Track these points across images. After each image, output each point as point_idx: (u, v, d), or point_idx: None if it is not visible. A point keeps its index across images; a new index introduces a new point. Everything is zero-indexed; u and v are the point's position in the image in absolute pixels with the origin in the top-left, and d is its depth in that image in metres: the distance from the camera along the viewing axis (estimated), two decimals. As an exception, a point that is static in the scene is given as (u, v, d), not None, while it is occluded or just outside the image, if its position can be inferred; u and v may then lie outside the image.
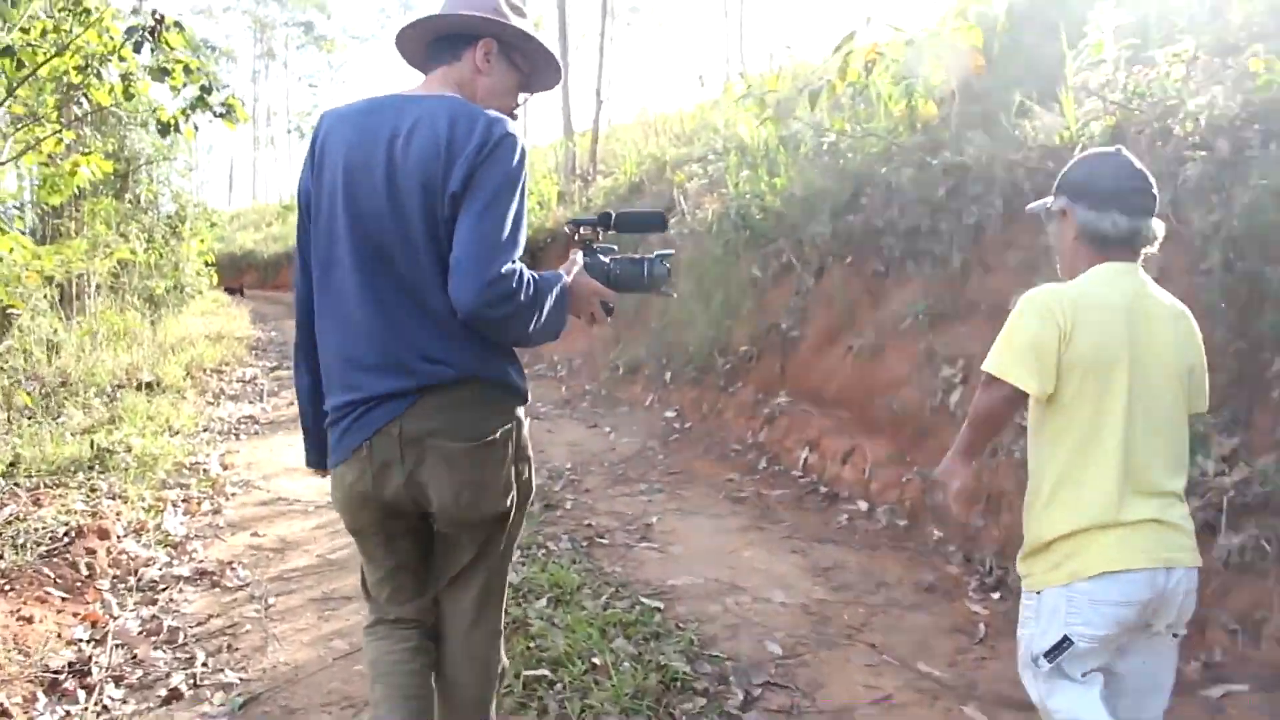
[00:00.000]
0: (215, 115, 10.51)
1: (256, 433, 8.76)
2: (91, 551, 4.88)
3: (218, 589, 4.80)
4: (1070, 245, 2.41)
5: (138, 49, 9.09)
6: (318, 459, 2.49)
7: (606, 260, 2.49)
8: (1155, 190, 2.36)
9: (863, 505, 5.85)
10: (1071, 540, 2.24)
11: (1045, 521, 2.31)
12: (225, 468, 7.17)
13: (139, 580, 4.80)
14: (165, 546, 5.33)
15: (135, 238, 16.59)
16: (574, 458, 7.63)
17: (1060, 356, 2.24)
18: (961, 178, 6.34)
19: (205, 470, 7.00)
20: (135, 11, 9.60)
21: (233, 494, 6.52)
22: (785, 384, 7.65)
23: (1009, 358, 2.30)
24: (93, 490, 5.87)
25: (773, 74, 15.27)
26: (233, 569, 5.03)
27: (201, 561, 5.17)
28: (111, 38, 8.78)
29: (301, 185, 2.34)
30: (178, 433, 8.00)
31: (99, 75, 9.15)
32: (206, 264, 22.24)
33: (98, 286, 15.15)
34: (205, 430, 8.49)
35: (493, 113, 2.19)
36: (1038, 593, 2.31)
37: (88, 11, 9.28)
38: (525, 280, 2.10)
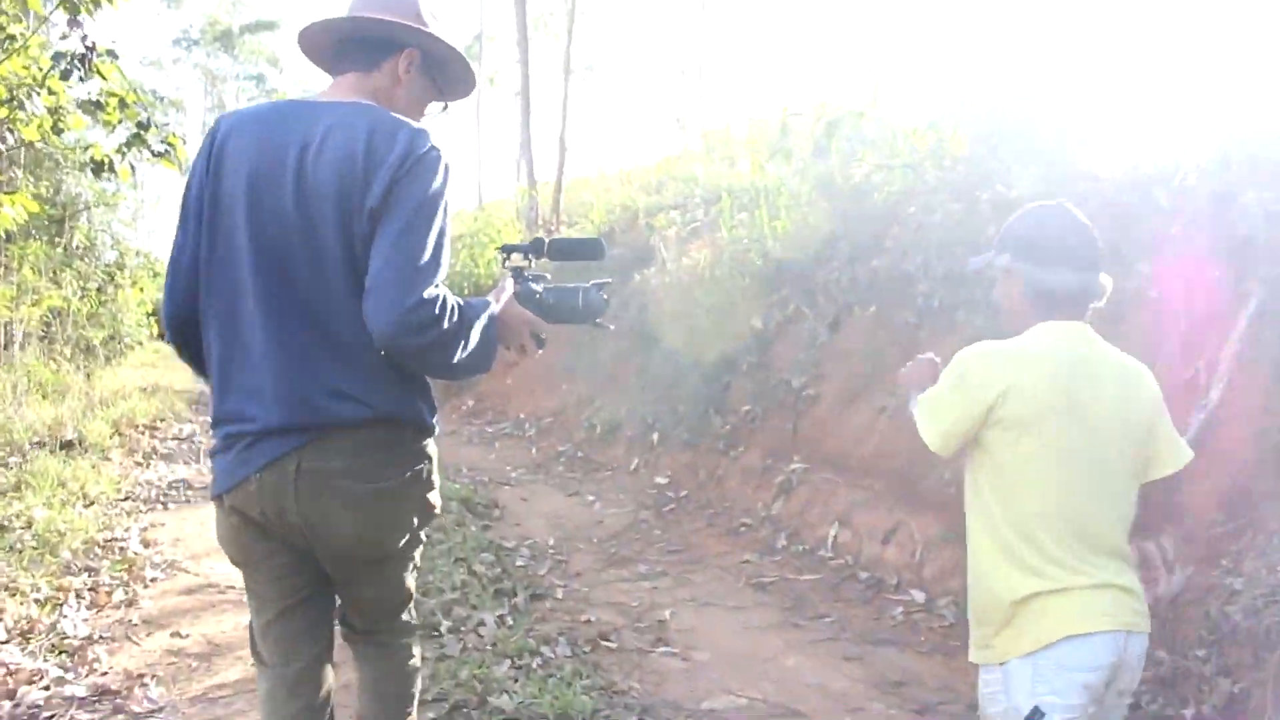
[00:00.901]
0: (153, 154, 9.60)
1: (188, 500, 7.61)
2: (-43, 666, 3.79)
3: (121, 716, 3.71)
4: (1017, 303, 2.34)
5: (65, 77, 8.20)
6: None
7: (538, 288, 2.34)
8: (1100, 244, 2.29)
9: (918, 596, 4.88)
10: (1033, 603, 2.13)
11: (1000, 585, 2.19)
12: (146, 545, 6.04)
13: (16, 706, 3.70)
14: (59, 654, 4.22)
15: (69, 285, 15.61)
16: (556, 532, 6.60)
17: (992, 415, 2.17)
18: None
19: (122, 549, 5.87)
20: (64, 37, 8.67)
21: (153, 580, 5.39)
22: (799, 448, 6.70)
23: (927, 415, 2.31)
24: (-29, 580, 4.78)
25: (752, 120, 14.67)
26: (144, 685, 3.94)
27: (104, 674, 4.07)
28: (39, 68, 7.91)
29: (189, 191, 2.10)
30: (93, 502, 6.85)
31: (23, 107, 8.28)
32: (148, 314, 21.33)
33: (25, 335, 14.12)
34: (127, 498, 7.33)
35: (416, 124, 2.02)
36: (1000, 664, 2.18)
37: (11, 38, 8.39)
38: (449, 306, 1.92)
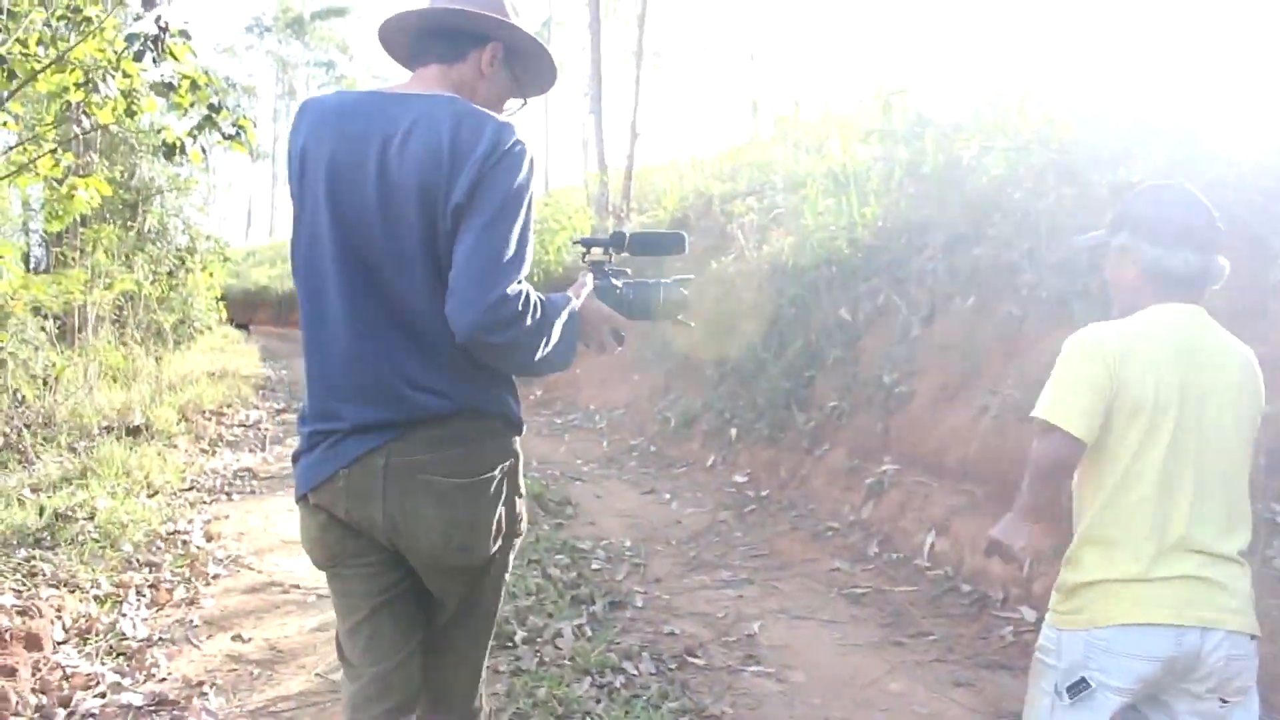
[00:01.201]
0: (224, 137, 9.46)
1: (253, 491, 7.42)
2: (9, 671, 3.57)
3: (178, 729, 3.47)
4: (1131, 283, 2.29)
5: (138, 59, 8.07)
6: None
7: (618, 284, 2.30)
8: (1221, 225, 2.23)
9: (1028, 614, 4.47)
10: (1094, 589, 2.15)
11: (1073, 566, 2.23)
12: (210, 539, 5.84)
13: (71, 715, 3.47)
14: (117, 657, 4.00)
15: (141, 269, 15.66)
16: (632, 533, 6.29)
17: (1109, 398, 2.14)
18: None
19: (185, 543, 5.67)
20: (138, 18, 8.53)
21: (215, 576, 5.18)
22: (890, 448, 6.32)
23: (1058, 402, 2.20)
24: (31, 574, 4.58)
25: (828, 104, 14.25)
26: (203, 695, 3.70)
27: (163, 680, 3.84)
28: (114, 51, 7.78)
29: (291, 189, 2.08)
30: (157, 492, 6.67)
31: (97, 90, 8.19)
32: (217, 299, 21.48)
33: (98, 319, 14.18)
34: (192, 488, 7.15)
35: (501, 117, 1.98)
36: (1059, 630, 2.23)
37: (88, 20, 8.28)
38: (531, 303, 1.90)
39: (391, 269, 1.94)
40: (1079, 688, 2.14)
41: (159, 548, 5.51)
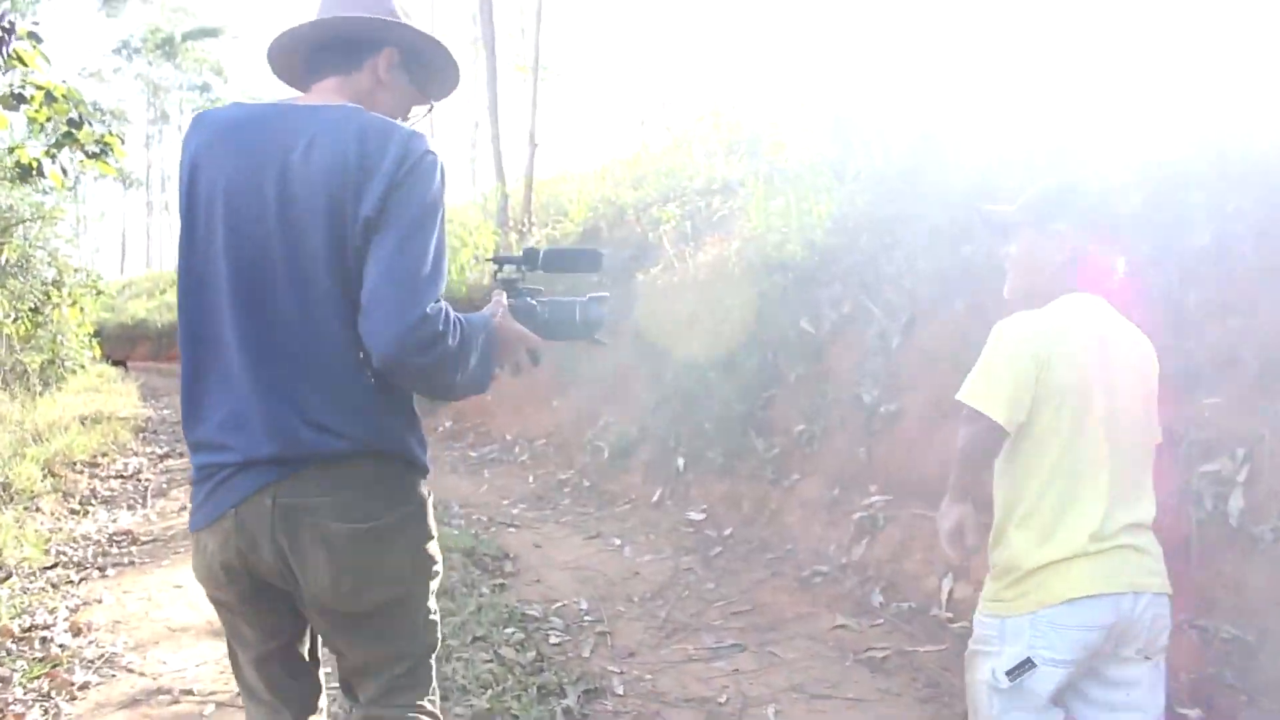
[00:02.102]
0: (88, 155, 8.40)
1: (132, 561, 6.29)
2: None
3: None
4: (1055, 269, 2.37)
5: None
6: None
7: (533, 302, 2.22)
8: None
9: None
10: (1040, 572, 2.22)
11: (1019, 551, 2.26)
12: (77, 633, 4.74)
13: None
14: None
15: (0, 305, 14.31)
16: (586, 590, 5.38)
17: (1039, 386, 2.22)
18: (1180, 183, 4.38)
19: (44, 640, 4.59)
20: None
21: (84, 685, 4.11)
22: (875, 476, 5.54)
23: (984, 388, 2.27)
24: None
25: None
26: None
27: None
28: None
29: (180, 202, 1.93)
30: (10, 574, 5.53)
31: None
32: (90, 335, 20.07)
33: None
34: (56, 564, 6.01)
35: (407, 126, 1.91)
36: (1001, 618, 2.28)
37: None
38: (452, 322, 1.79)
39: (291, 289, 1.82)
40: (1022, 668, 2.19)
41: (9, 652, 4.42)
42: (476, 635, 4.47)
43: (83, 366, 20.51)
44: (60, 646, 4.54)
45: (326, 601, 1.91)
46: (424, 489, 2.03)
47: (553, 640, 4.57)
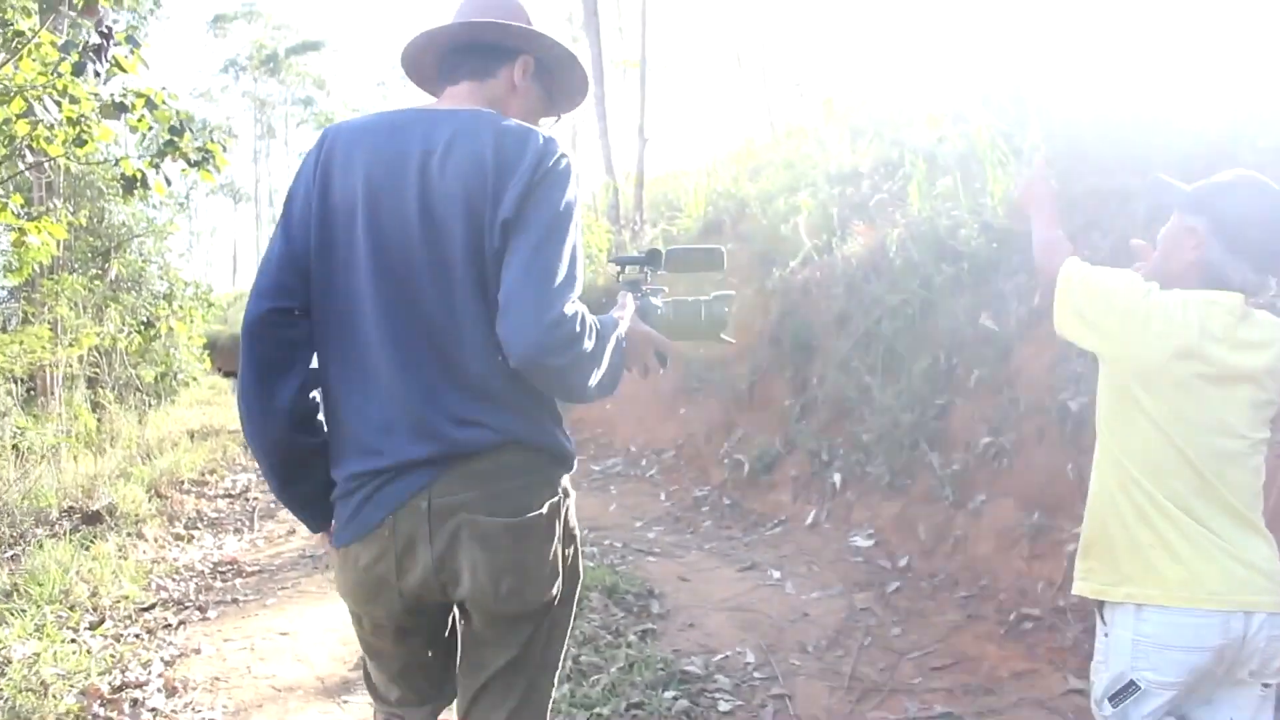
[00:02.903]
0: (190, 164, 7.96)
1: (235, 599, 5.70)
2: None
3: None
4: (1182, 265, 2.16)
5: (78, 72, 6.64)
6: (322, 519, 2.01)
7: (657, 303, 2.23)
8: None
9: None
10: (1143, 553, 2.06)
11: (1115, 524, 2.11)
12: (172, 693, 4.14)
13: None
14: None
15: (113, 320, 14.18)
16: (750, 636, 4.60)
17: (1154, 347, 2.04)
18: None
19: (135, 703, 3.99)
20: (73, 25, 7.08)
21: (175, 765, 3.50)
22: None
23: (1089, 282, 2.16)
24: None
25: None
26: None
27: None
28: (58, 72, 6.44)
29: (291, 204, 1.94)
30: (103, 620, 4.97)
31: (35, 115, 6.86)
32: (201, 348, 20.11)
33: (70, 378, 12.74)
34: (154, 604, 5.44)
35: (544, 130, 1.88)
36: (1105, 635, 2.14)
37: (21, 35, 6.86)
38: (588, 324, 1.77)
39: (433, 290, 1.81)
40: (1126, 693, 2.07)
41: (96, 717, 3.82)
42: (632, 702, 3.74)
43: (195, 379, 20.53)
44: (152, 711, 3.92)
45: (488, 604, 1.88)
46: (567, 481, 2.00)
47: (723, 707, 3.80)
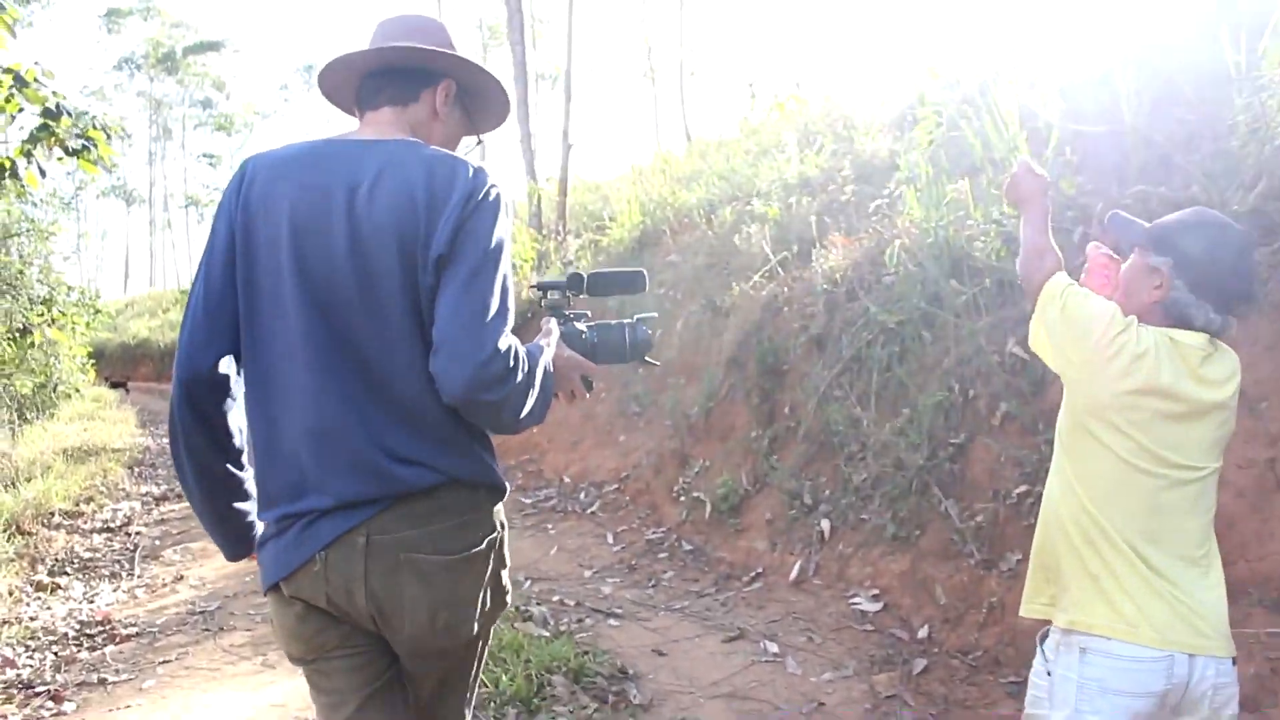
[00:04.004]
0: (68, 152, 7.12)
1: (103, 679, 4.56)
2: None
3: None
4: (1146, 305, 2.16)
5: None
6: (237, 551, 2.05)
7: (581, 328, 2.24)
8: (1258, 292, 2.34)
9: None
10: (1093, 582, 2.08)
11: (1066, 555, 2.14)
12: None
13: None
14: None
15: None
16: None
17: (1117, 379, 2.04)
18: None
19: None
20: None
21: None
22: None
23: (1071, 302, 2.13)
24: None
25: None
26: None
27: None
28: None
29: (213, 240, 1.89)
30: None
31: None
32: (85, 357, 18.79)
33: None
34: (-4, 688, 4.32)
35: (473, 161, 1.90)
36: (1048, 674, 2.15)
37: None
38: (520, 358, 1.80)
39: (366, 327, 1.81)
40: None
41: None
42: None
43: (77, 390, 19.16)
44: None
45: (423, 639, 1.89)
46: (502, 513, 2.00)
47: None
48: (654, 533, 6.92)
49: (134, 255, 64.05)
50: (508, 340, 1.76)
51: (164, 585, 6.51)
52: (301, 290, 1.80)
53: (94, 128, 7.30)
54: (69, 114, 7.11)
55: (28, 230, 15.13)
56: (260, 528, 1.95)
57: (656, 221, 11.23)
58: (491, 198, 1.81)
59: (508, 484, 1.99)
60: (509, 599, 2.07)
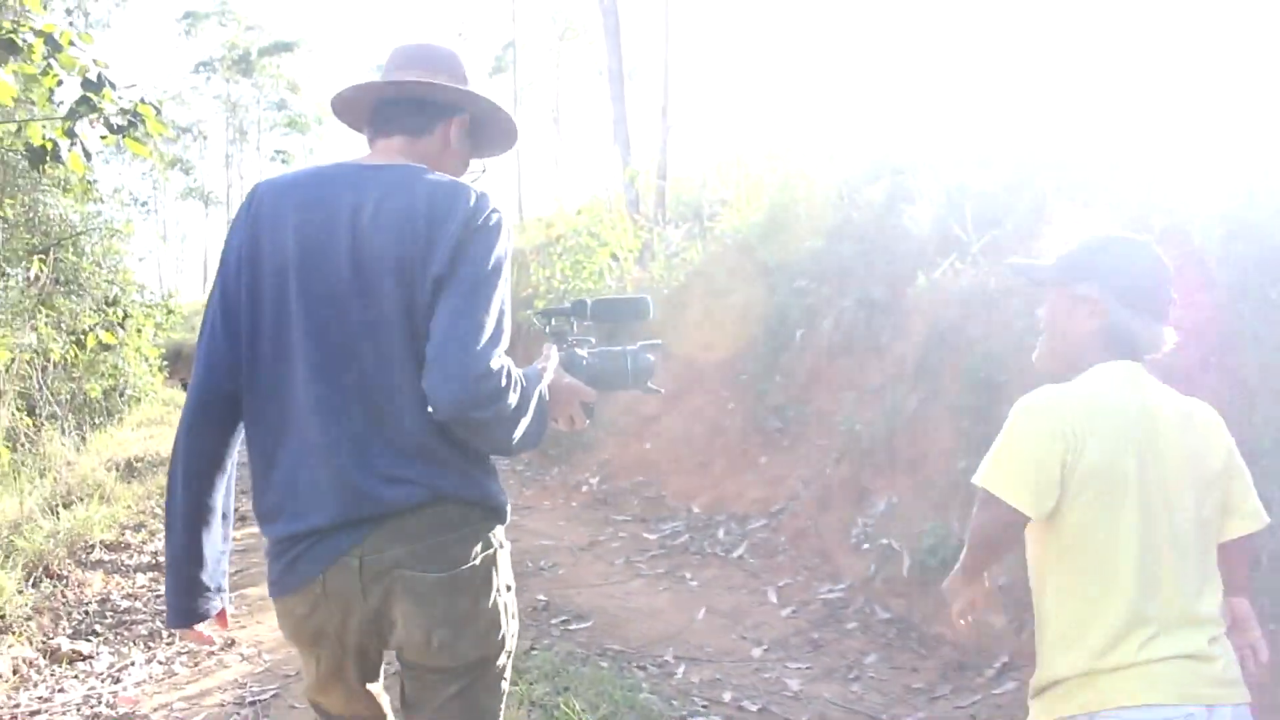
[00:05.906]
0: (111, 130, 6.26)
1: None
2: None
3: None
4: (1084, 337, 2.06)
5: None
6: (183, 614, 1.96)
7: (583, 354, 2.22)
8: (1175, 294, 2.10)
9: None
10: (1083, 679, 1.88)
11: (1055, 657, 1.95)
12: None
13: None
14: None
15: (42, 328, 11.90)
16: None
17: (1066, 471, 1.89)
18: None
19: None
20: None
21: None
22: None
23: (1003, 472, 1.95)
24: None
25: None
26: None
27: None
28: None
29: (226, 260, 1.93)
30: None
31: None
32: (157, 359, 18.18)
33: None
34: None
35: (476, 186, 1.93)
36: None
37: None
38: (513, 378, 1.80)
39: (367, 346, 1.83)
40: None
41: None
42: None
43: (146, 394, 18.33)
44: None
45: (422, 659, 1.88)
46: (502, 533, 1.98)
47: None
48: (830, 590, 5.37)
49: (212, 257, 64.51)
50: (500, 360, 1.76)
51: (209, 654, 5.11)
52: (304, 310, 1.83)
53: (142, 102, 6.20)
54: (111, 85, 6.05)
55: (96, 230, 14.34)
56: (216, 603, 1.95)
57: (791, 200, 9.65)
58: (492, 222, 1.84)
59: (508, 505, 1.97)
60: (515, 626, 2.00)
